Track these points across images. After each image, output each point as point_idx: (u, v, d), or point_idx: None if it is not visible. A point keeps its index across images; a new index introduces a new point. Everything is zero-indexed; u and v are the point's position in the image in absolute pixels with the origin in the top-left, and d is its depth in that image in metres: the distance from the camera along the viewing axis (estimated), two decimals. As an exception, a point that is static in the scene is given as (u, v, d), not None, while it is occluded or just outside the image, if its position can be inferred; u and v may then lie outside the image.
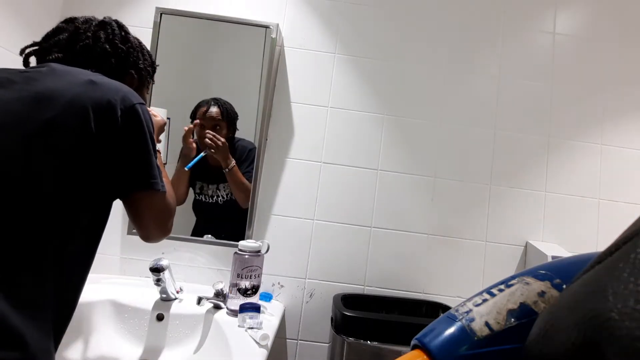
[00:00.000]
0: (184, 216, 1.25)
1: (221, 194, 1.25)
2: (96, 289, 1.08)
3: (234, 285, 1.06)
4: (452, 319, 0.40)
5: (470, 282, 1.26)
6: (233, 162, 1.21)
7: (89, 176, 0.62)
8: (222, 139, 1.19)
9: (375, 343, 1.00)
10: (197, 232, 1.25)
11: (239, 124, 1.25)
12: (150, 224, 0.71)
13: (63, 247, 0.59)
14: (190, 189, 1.26)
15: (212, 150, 1.19)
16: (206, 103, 1.23)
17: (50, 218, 0.58)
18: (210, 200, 1.26)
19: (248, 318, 0.97)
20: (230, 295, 1.07)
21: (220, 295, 1.08)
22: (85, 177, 0.62)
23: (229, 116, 1.23)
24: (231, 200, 1.25)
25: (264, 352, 0.87)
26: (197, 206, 1.26)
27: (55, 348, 0.60)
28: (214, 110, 1.21)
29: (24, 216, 0.56)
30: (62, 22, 0.76)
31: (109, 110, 0.63)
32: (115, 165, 0.65)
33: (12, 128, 0.57)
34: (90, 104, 0.62)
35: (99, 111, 0.62)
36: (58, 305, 0.59)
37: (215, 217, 1.27)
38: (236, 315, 1.00)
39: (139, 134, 0.67)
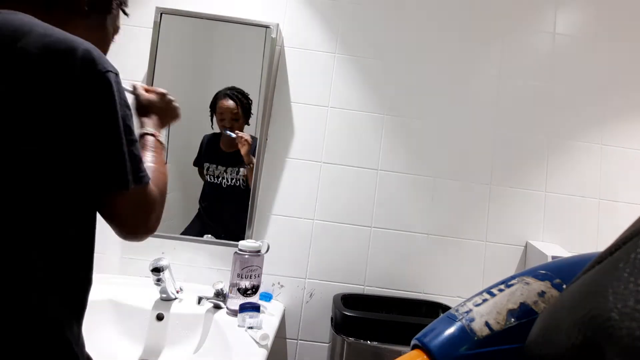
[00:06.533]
0: (185, 215, 1.26)
1: (227, 177, 1.27)
2: (96, 289, 1.08)
3: (234, 285, 1.06)
4: (452, 319, 0.40)
5: (470, 282, 1.26)
6: (254, 161, 1.25)
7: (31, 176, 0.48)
8: (249, 137, 1.25)
9: (375, 343, 1.00)
10: (197, 219, 1.26)
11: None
12: (127, 223, 0.57)
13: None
14: (198, 172, 1.29)
15: (243, 146, 1.25)
16: (224, 95, 1.27)
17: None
18: (215, 181, 1.27)
19: (248, 318, 0.97)
20: (230, 295, 1.07)
21: (220, 295, 1.08)
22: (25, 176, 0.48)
23: (244, 107, 1.27)
24: (235, 186, 1.27)
25: (263, 352, 0.87)
26: (204, 190, 1.29)
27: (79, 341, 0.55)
28: (231, 104, 1.26)
29: None
30: None
31: (59, 79, 0.47)
32: (72, 162, 0.50)
33: None
34: (28, 66, 0.46)
35: (42, 79, 0.47)
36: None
37: (216, 199, 1.29)
38: (236, 315, 1.00)
39: (106, 117, 0.50)
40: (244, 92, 1.27)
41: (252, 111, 1.27)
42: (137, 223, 0.58)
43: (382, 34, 1.30)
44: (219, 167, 1.28)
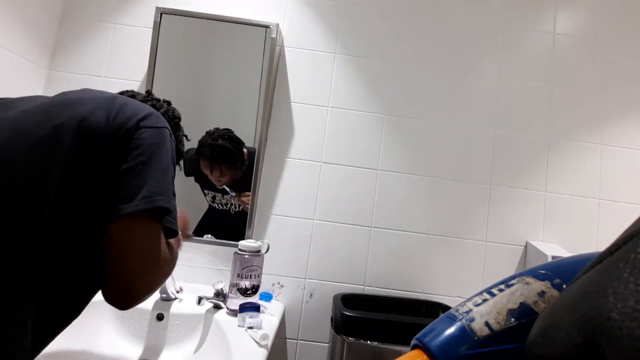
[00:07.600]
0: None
1: (235, 203, 1.25)
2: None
3: (234, 285, 1.06)
4: (452, 319, 0.40)
5: (470, 282, 1.26)
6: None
7: (92, 198, 0.56)
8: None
9: (375, 343, 1.00)
10: (201, 232, 1.25)
11: (238, 123, 1.25)
12: (140, 264, 0.55)
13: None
14: (203, 196, 1.28)
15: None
16: (206, 156, 1.22)
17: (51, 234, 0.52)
18: (224, 208, 1.26)
19: (248, 318, 0.97)
20: (230, 295, 1.07)
21: (220, 295, 1.08)
22: (88, 199, 0.55)
23: (236, 158, 1.24)
24: (244, 211, 1.25)
25: (263, 352, 0.87)
26: (210, 213, 1.27)
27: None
28: (221, 171, 1.23)
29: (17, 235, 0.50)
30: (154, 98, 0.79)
31: (127, 126, 0.58)
32: (120, 184, 0.56)
33: (26, 134, 0.54)
34: (106, 115, 0.58)
35: (113, 125, 0.57)
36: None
37: (225, 222, 1.27)
38: (236, 315, 1.00)
39: (159, 153, 0.59)
40: (232, 136, 1.23)
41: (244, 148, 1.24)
42: (149, 270, 0.55)
43: (382, 34, 1.30)
44: (225, 196, 1.26)
